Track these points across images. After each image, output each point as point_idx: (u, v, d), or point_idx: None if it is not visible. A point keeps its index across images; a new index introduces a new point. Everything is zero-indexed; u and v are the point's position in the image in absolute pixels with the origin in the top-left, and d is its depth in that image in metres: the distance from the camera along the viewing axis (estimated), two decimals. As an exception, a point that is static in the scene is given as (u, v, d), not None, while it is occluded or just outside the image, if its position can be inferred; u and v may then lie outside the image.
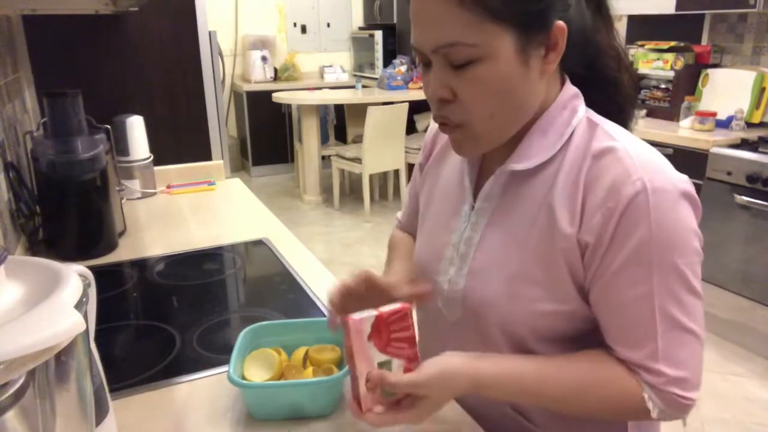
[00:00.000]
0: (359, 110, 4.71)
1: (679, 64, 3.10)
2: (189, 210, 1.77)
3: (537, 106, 0.74)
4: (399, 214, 1.09)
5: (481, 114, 0.71)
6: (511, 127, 0.74)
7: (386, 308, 0.73)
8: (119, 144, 1.78)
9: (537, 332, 0.75)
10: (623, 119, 0.79)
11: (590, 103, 0.77)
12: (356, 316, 0.72)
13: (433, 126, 0.97)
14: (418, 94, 4.76)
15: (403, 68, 5.07)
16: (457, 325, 0.82)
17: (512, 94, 0.71)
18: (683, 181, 0.69)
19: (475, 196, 0.82)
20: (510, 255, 0.75)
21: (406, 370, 0.73)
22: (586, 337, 0.75)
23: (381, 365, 0.72)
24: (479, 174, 0.84)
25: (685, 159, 2.71)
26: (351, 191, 5.10)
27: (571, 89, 0.76)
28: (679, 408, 0.70)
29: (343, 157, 4.54)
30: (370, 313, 0.72)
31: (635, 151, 0.69)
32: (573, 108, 0.75)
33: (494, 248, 0.78)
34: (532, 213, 0.74)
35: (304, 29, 5.93)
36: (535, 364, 0.73)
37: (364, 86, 5.38)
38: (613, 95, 0.80)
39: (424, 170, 0.96)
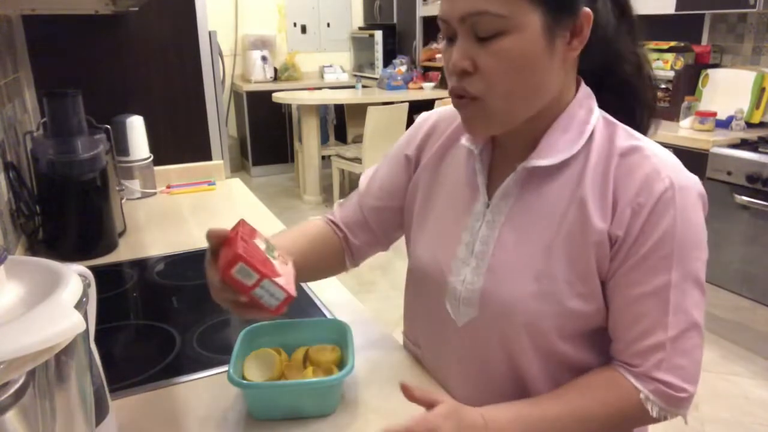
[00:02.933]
0: (359, 110, 4.72)
1: (679, 64, 3.10)
2: (189, 210, 1.77)
3: (553, 94, 0.74)
4: (336, 207, 1.01)
5: (500, 89, 0.70)
6: (525, 109, 0.74)
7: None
8: (119, 144, 1.78)
9: (562, 330, 0.75)
10: (636, 125, 0.80)
11: (601, 105, 0.78)
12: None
13: (429, 119, 0.96)
14: (418, 94, 4.77)
15: (403, 68, 5.07)
16: (468, 327, 0.80)
17: (532, 73, 0.71)
18: (699, 183, 0.74)
19: (488, 193, 0.81)
20: (536, 252, 0.75)
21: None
22: (607, 334, 0.77)
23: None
24: (490, 171, 0.83)
25: (685, 159, 2.66)
26: (351, 191, 5.07)
27: (585, 89, 0.78)
28: (674, 401, 0.71)
29: (343, 157, 4.54)
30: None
31: (658, 151, 0.74)
32: (589, 107, 0.77)
33: (517, 246, 0.77)
34: (560, 209, 0.74)
35: (304, 29, 5.93)
36: (540, 406, 0.73)
37: (364, 86, 5.38)
38: (627, 99, 0.81)
39: (419, 167, 0.93)
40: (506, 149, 0.81)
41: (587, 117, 0.76)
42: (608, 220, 0.72)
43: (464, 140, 0.84)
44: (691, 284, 0.71)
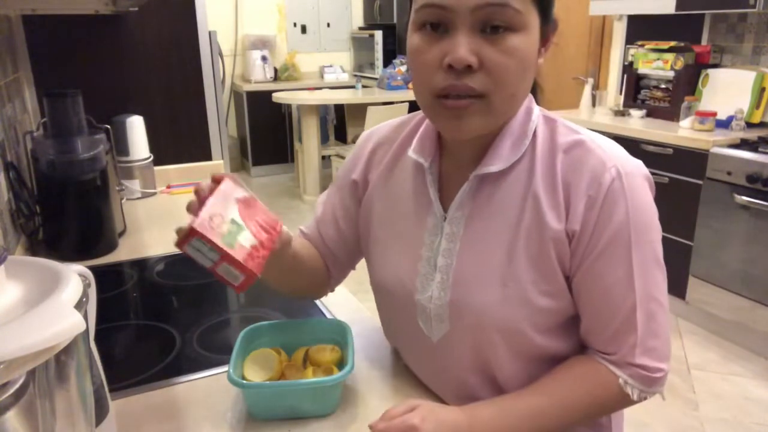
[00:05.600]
0: (359, 110, 4.71)
1: (679, 64, 3.10)
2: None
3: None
4: (303, 228, 0.97)
5: (508, 88, 0.68)
6: (515, 111, 0.74)
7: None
8: (119, 144, 1.78)
9: (536, 327, 0.75)
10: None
11: None
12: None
13: (371, 138, 0.92)
14: (418, 94, 4.76)
15: (403, 68, 5.07)
16: (443, 341, 0.80)
17: (530, 76, 0.71)
18: (643, 166, 0.74)
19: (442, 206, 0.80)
20: (498, 257, 0.75)
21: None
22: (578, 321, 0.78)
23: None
24: (440, 183, 0.81)
25: (685, 159, 2.71)
26: (351, 191, 5.09)
27: None
28: (651, 382, 0.73)
29: (343, 157, 4.54)
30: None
31: (600, 142, 0.74)
32: (528, 108, 0.77)
33: (479, 254, 0.76)
34: (515, 210, 0.75)
35: (304, 29, 5.93)
36: (523, 399, 0.75)
37: (364, 86, 5.38)
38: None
39: (368, 188, 0.90)
40: (456, 159, 0.80)
41: (528, 117, 0.77)
42: (563, 219, 0.72)
43: (411, 153, 0.82)
44: (651, 266, 0.72)
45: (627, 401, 0.75)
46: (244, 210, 0.72)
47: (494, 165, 0.75)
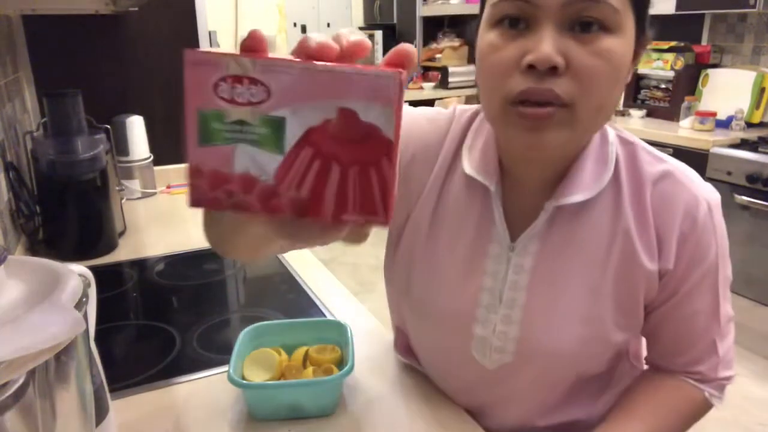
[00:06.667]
0: (359, 110, 4.70)
1: (679, 64, 3.10)
2: (189, 210, 1.76)
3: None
4: None
5: (596, 96, 0.58)
6: (597, 128, 0.66)
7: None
8: (119, 144, 1.78)
9: (604, 358, 0.75)
10: None
11: None
12: None
13: (434, 129, 0.76)
14: (418, 94, 4.76)
15: (403, 68, 5.06)
16: (500, 369, 0.75)
17: (620, 89, 0.61)
18: (715, 190, 0.73)
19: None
20: (579, 295, 0.70)
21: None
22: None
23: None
24: (505, 211, 0.72)
25: (685, 159, 2.67)
26: (351, 191, 5.07)
27: None
28: (725, 386, 0.78)
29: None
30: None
31: (684, 170, 0.72)
32: (603, 131, 0.71)
33: (555, 290, 0.71)
34: (602, 246, 0.69)
35: (304, 29, 5.92)
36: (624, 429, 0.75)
37: (364, 86, 5.38)
38: None
39: (418, 202, 0.77)
40: (519, 182, 0.71)
41: (604, 139, 0.70)
42: (655, 257, 0.69)
43: (471, 171, 0.72)
44: (727, 284, 0.74)
45: (709, 409, 0.78)
46: (337, 143, 0.34)
47: (576, 194, 0.66)
